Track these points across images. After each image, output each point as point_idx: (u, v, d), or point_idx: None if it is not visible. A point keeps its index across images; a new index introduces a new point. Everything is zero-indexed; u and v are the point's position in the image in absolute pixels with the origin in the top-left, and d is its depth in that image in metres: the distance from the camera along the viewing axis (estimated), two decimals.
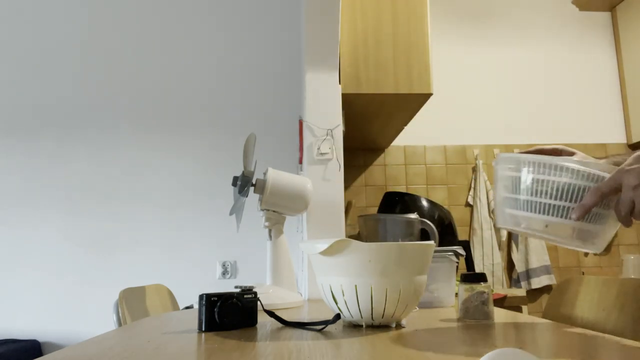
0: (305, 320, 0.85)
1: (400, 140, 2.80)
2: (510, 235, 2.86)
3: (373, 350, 0.59)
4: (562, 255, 2.86)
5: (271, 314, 0.89)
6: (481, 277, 0.92)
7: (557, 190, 0.73)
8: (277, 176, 1.38)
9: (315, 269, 0.86)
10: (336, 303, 0.82)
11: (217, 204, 2.65)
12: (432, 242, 0.86)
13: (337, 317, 0.81)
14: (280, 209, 1.40)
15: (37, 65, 2.76)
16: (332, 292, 0.82)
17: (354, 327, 0.83)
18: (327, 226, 1.58)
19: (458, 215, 2.82)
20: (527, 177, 0.76)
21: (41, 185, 2.66)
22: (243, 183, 1.36)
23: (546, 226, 0.74)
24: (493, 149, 2.89)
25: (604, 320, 0.85)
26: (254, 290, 0.89)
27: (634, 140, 2.88)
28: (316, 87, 1.66)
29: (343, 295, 0.80)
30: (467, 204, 2.87)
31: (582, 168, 0.72)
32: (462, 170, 2.88)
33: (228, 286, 2.58)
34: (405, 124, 2.34)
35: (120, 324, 1.37)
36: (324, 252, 0.82)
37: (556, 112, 2.95)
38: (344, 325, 0.85)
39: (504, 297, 1.95)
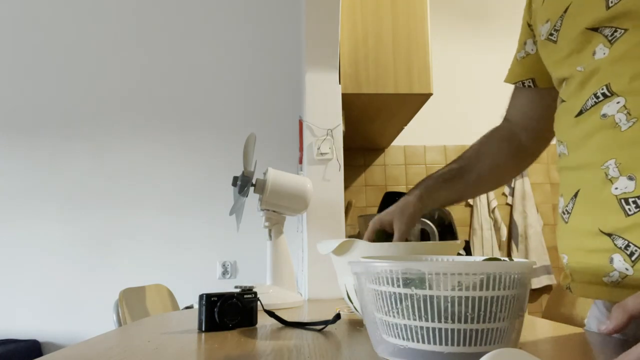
0: (305, 320, 0.85)
1: (400, 140, 2.80)
2: (510, 235, 2.86)
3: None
4: None
5: (271, 314, 0.89)
6: None
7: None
8: (277, 176, 1.38)
9: (335, 269, 0.87)
10: (352, 302, 0.83)
11: (217, 204, 2.65)
12: (457, 241, 0.84)
13: (337, 317, 0.81)
14: (280, 209, 1.40)
15: (39, 66, 2.76)
16: (347, 291, 0.83)
17: (354, 327, 0.83)
18: (327, 226, 1.58)
19: (458, 215, 2.82)
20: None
21: (41, 186, 2.66)
22: (243, 183, 1.36)
23: None
24: None
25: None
26: (254, 290, 0.89)
27: None
28: (316, 87, 1.66)
29: (356, 294, 0.81)
30: (467, 204, 2.87)
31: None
32: None
33: (228, 286, 2.58)
34: (405, 124, 2.34)
35: (120, 324, 1.37)
36: (335, 252, 0.82)
37: None
38: (344, 325, 0.85)
39: None
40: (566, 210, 0.70)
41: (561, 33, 0.72)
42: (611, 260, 0.61)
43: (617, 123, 0.62)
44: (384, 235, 0.90)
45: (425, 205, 0.91)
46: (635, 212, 0.58)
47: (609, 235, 0.61)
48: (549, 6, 0.76)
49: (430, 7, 1.86)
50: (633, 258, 0.58)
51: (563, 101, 0.73)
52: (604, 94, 0.64)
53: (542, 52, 0.79)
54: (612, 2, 0.64)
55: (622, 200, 0.60)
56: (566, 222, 0.70)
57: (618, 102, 0.62)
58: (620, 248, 0.60)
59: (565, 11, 0.70)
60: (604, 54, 0.65)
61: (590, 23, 0.66)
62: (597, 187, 0.64)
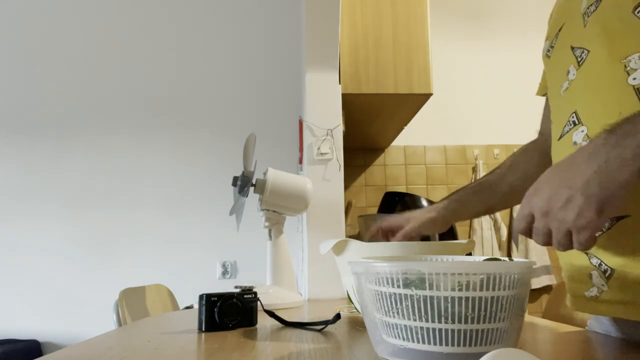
0: (305, 320, 0.85)
1: (400, 140, 2.80)
2: (510, 235, 2.86)
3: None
4: None
5: (271, 314, 0.89)
6: None
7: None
8: (277, 176, 1.38)
9: (339, 269, 0.87)
10: (352, 302, 0.83)
11: (217, 204, 2.65)
12: (465, 241, 0.82)
13: (337, 317, 0.81)
14: (280, 209, 1.40)
15: (39, 65, 2.76)
16: (347, 292, 0.83)
17: (354, 327, 0.83)
18: (327, 226, 1.58)
19: None
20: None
21: (41, 186, 2.66)
22: (243, 183, 1.36)
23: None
24: (493, 149, 2.89)
25: None
26: (254, 290, 0.89)
27: None
28: (316, 87, 1.66)
29: (355, 294, 0.81)
30: None
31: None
32: (462, 170, 2.88)
33: (228, 286, 2.58)
34: (405, 124, 2.34)
35: (120, 324, 1.37)
36: (333, 252, 0.82)
37: None
38: (344, 325, 0.85)
39: None
40: None
41: (555, 50, 0.76)
42: (591, 277, 0.65)
43: None
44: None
45: (452, 215, 0.91)
46: (601, 234, 0.61)
47: (587, 253, 0.65)
48: (551, 24, 0.80)
49: (430, 7, 1.86)
50: (607, 275, 0.62)
51: (552, 122, 0.76)
52: (574, 122, 0.67)
53: (545, 67, 0.83)
54: (585, 21, 0.67)
55: None
56: None
57: (582, 131, 0.65)
58: (595, 266, 0.63)
59: (560, 30, 0.74)
60: (574, 75, 0.68)
61: (572, 41, 0.70)
62: None
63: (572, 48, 0.69)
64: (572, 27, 0.70)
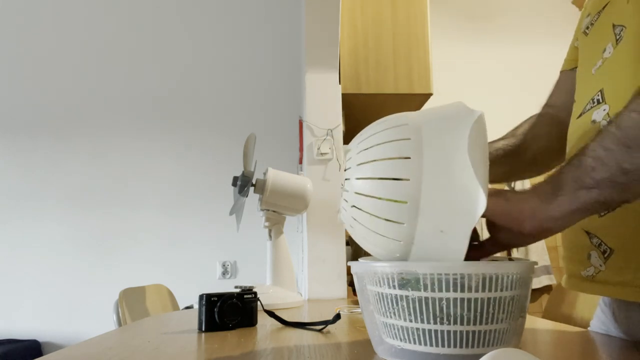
0: (305, 320, 0.85)
1: None
2: None
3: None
4: None
5: (271, 314, 0.89)
6: None
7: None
8: (277, 176, 1.38)
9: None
10: None
11: (217, 204, 2.65)
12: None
13: (337, 317, 0.81)
14: (280, 209, 1.40)
15: (37, 65, 2.76)
16: None
17: (355, 327, 0.83)
18: (327, 226, 1.58)
19: None
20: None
21: (41, 186, 2.66)
22: (243, 183, 1.36)
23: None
24: None
25: None
26: (254, 290, 0.89)
27: None
28: (316, 87, 1.66)
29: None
30: None
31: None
32: None
33: (228, 286, 2.58)
34: None
35: (120, 324, 1.37)
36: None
37: None
38: (344, 325, 0.85)
39: None
40: None
41: (594, 27, 0.73)
42: (589, 257, 0.65)
43: (601, 129, 0.64)
44: None
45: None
46: (605, 214, 0.62)
47: (588, 233, 0.65)
48: (593, 1, 0.76)
49: (430, 7, 1.86)
50: (605, 256, 0.62)
51: (574, 101, 0.74)
52: (597, 100, 0.65)
53: (580, 44, 0.80)
54: None
55: None
56: None
57: (604, 110, 0.64)
58: (595, 246, 0.64)
59: (604, 7, 0.71)
60: (609, 53, 0.66)
61: (614, 19, 0.67)
62: None
63: (614, 26, 0.66)
64: (617, 4, 0.68)
